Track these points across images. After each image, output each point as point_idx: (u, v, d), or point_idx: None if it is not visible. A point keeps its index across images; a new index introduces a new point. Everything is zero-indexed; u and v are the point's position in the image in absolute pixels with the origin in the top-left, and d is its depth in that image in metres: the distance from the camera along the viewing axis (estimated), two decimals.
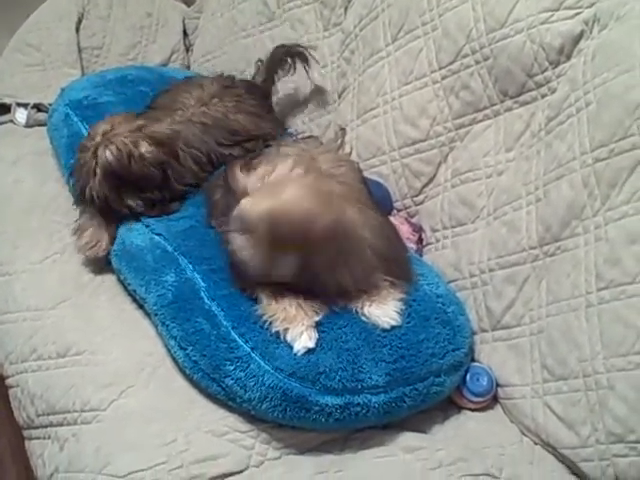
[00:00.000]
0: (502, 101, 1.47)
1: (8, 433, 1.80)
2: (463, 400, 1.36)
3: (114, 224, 1.49)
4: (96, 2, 2.21)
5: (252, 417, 1.23)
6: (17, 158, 1.82)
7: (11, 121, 2.03)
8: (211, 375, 1.24)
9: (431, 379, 1.26)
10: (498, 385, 1.36)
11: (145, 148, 1.45)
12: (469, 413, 1.36)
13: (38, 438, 1.36)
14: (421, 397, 1.26)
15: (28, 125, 2.01)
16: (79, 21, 2.16)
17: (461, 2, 1.53)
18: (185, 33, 2.34)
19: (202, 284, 1.31)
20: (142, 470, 1.15)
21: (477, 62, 1.49)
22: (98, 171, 1.43)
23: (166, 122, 1.55)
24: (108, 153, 1.42)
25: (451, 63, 1.54)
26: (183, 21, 2.34)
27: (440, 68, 1.56)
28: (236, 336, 1.23)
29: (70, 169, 1.61)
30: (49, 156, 1.80)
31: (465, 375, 1.34)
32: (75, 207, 1.55)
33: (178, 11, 2.37)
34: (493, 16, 1.45)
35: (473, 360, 1.39)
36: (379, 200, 1.62)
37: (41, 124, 1.96)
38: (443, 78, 1.55)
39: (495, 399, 1.38)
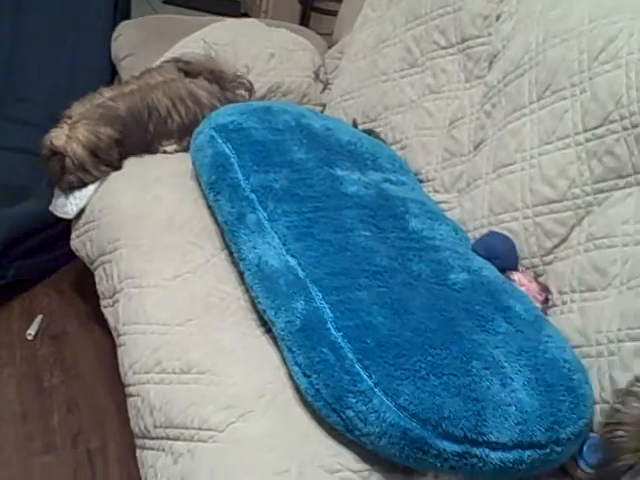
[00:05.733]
0: None
1: (117, 439, 1.87)
2: (577, 471, 1.32)
3: None
4: None
5: (365, 457, 1.23)
6: (158, 178, 1.87)
7: None
8: (332, 405, 1.24)
9: (551, 446, 1.23)
10: None
11: None
12: None
13: (152, 449, 1.38)
14: (538, 462, 1.23)
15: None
16: None
17: (614, 68, 1.52)
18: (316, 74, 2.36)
19: (330, 314, 1.32)
20: None
21: (625, 129, 1.47)
22: None
23: None
24: None
25: (597, 127, 1.52)
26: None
27: (585, 131, 1.55)
28: (360, 369, 1.23)
29: (211, 186, 1.67)
30: (188, 178, 1.85)
31: (582, 445, 1.30)
32: None
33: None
34: None
35: (591, 430, 1.34)
36: (504, 254, 1.63)
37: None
38: (587, 141, 1.54)
39: None
